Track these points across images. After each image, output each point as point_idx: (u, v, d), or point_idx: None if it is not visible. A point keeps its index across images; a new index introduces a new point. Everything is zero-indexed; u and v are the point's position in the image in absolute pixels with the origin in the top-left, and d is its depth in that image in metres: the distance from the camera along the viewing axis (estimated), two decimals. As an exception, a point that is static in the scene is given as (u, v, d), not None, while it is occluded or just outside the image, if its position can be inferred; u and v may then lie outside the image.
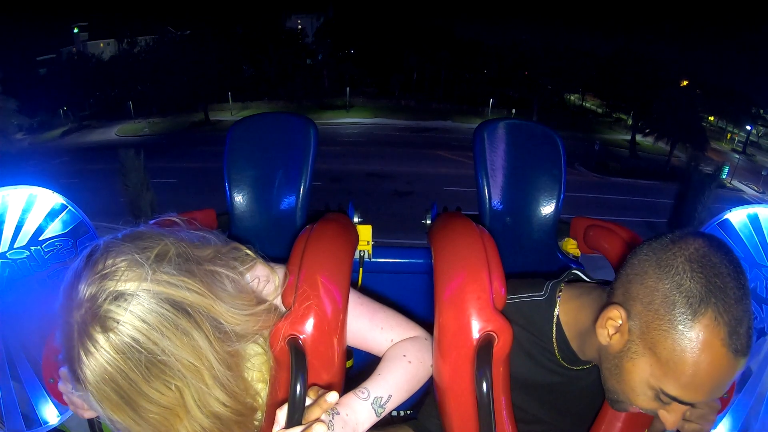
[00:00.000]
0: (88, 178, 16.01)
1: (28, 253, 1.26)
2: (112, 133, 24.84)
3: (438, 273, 0.83)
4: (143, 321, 0.60)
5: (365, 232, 1.23)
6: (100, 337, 0.59)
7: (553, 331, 0.83)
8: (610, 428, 0.83)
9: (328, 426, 0.64)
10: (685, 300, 0.60)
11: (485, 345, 0.74)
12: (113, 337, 0.59)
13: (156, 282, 0.62)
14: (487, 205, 1.10)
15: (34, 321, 1.17)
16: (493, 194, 1.14)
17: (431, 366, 0.83)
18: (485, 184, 1.11)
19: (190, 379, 0.64)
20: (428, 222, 1.20)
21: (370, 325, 0.84)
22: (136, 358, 0.59)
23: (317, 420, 0.64)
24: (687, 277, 0.61)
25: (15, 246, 1.26)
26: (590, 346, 0.76)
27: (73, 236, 1.32)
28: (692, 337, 0.60)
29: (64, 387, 0.80)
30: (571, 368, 0.84)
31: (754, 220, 1.31)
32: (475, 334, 0.76)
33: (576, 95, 32.38)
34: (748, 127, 24.34)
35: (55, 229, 1.30)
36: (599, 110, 31.51)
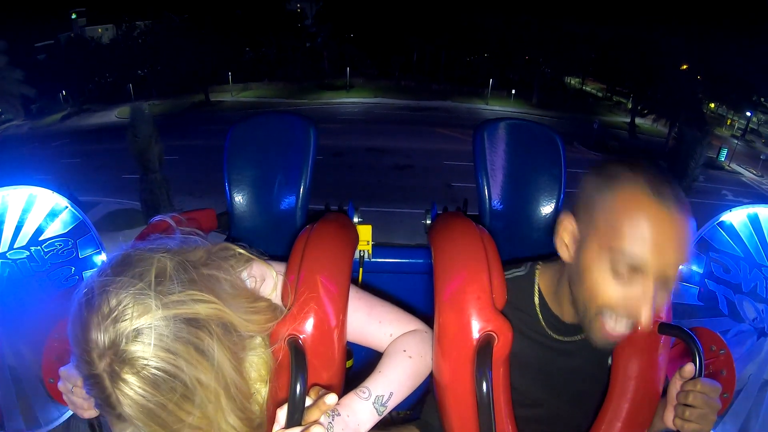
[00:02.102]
0: (90, 157, 16.17)
1: (28, 253, 1.26)
2: (113, 115, 24.76)
3: (438, 273, 0.83)
4: (167, 351, 0.60)
5: (365, 232, 1.23)
6: (133, 378, 0.59)
7: (536, 302, 0.87)
8: (610, 428, 0.83)
9: (326, 428, 0.64)
10: (608, 177, 0.71)
11: (485, 345, 0.74)
12: (145, 374, 0.59)
13: (166, 306, 0.61)
14: (487, 205, 1.10)
15: (34, 321, 1.17)
16: (493, 194, 1.14)
17: (431, 360, 0.83)
18: (485, 184, 1.11)
19: (214, 402, 0.64)
20: (428, 222, 1.20)
21: (368, 319, 0.84)
22: (170, 387, 0.60)
23: (315, 422, 0.64)
24: (612, 166, 0.72)
25: (15, 246, 1.26)
26: (565, 296, 0.81)
27: (73, 236, 1.32)
28: (617, 194, 0.69)
29: (64, 387, 0.80)
30: (559, 338, 0.86)
31: (754, 220, 1.31)
32: (475, 334, 0.76)
33: (576, 79, 32.28)
34: (748, 114, 24.28)
35: (55, 229, 1.30)
36: (599, 94, 31.46)
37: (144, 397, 0.59)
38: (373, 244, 1.27)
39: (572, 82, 32.64)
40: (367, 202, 12.27)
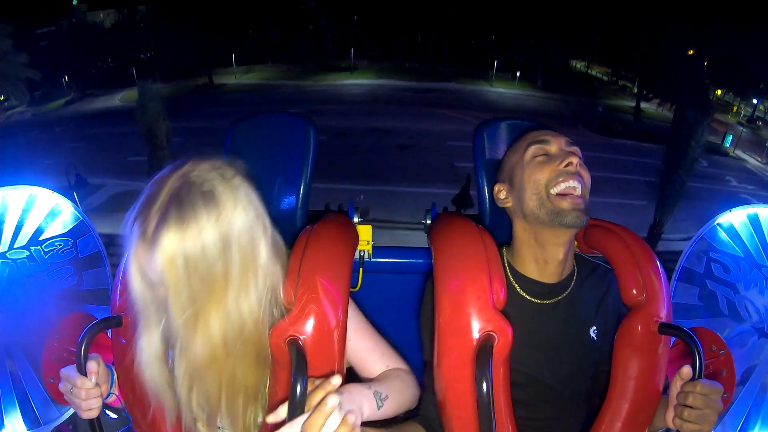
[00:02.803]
0: (95, 141, 16.16)
1: (28, 253, 1.26)
2: (116, 99, 24.58)
3: (438, 273, 0.83)
4: (237, 202, 0.69)
5: (365, 232, 1.23)
6: (195, 190, 0.66)
7: (509, 273, 0.95)
8: (610, 428, 0.83)
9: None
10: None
11: (485, 345, 0.74)
12: (205, 192, 0.67)
13: (245, 187, 0.72)
14: (487, 205, 1.10)
15: (34, 321, 1.17)
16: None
17: (411, 400, 0.89)
18: (485, 184, 1.10)
19: (242, 272, 0.70)
20: (428, 222, 1.20)
21: (373, 348, 0.89)
22: (221, 232, 0.67)
23: (328, 395, 0.64)
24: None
25: (15, 246, 1.26)
26: (527, 254, 0.93)
27: (73, 236, 1.32)
28: (513, 143, 1.00)
29: (64, 387, 0.80)
30: (539, 302, 0.93)
31: (754, 220, 1.31)
32: (475, 334, 0.76)
33: (582, 62, 32.03)
34: (755, 101, 24.16)
35: (55, 229, 1.30)
36: (604, 78, 31.23)
37: (188, 215, 0.65)
38: (373, 245, 1.27)
39: (578, 65, 32.22)
40: (370, 182, 12.50)
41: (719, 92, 25.87)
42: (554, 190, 0.87)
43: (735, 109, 25.73)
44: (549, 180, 0.87)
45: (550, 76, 27.60)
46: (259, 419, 0.82)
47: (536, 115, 20.57)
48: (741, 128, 22.36)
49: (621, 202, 11.30)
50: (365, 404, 0.74)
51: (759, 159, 19.77)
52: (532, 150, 0.91)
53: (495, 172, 1.07)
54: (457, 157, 13.68)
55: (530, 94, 25.85)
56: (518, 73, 27.72)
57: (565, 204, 0.85)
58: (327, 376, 0.76)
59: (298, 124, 1.16)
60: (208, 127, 15.46)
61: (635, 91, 25.90)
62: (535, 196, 0.88)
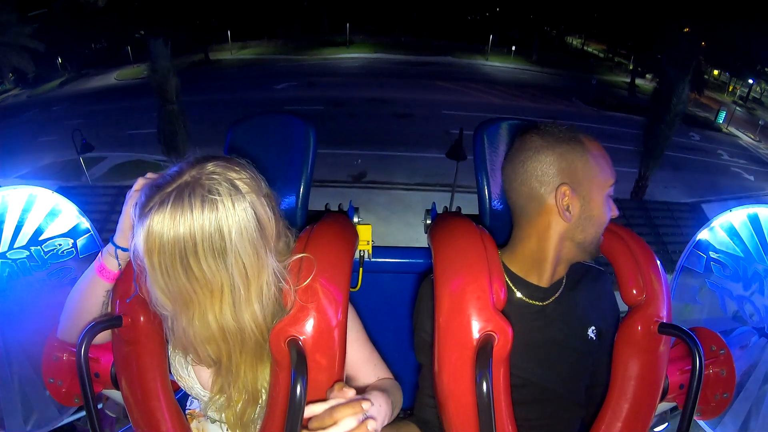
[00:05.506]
0: (93, 117, 16.16)
1: (28, 253, 1.26)
2: (112, 78, 24.23)
3: (438, 273, 0.83)
4: (239, 218, 0.68)
5: (365, 232, 1.23)
6: (196, 196, 0.67)
7: (506, 277, 0.92)
8: (610, 428, 0.83)
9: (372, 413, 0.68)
10: (571, 141, 0.88)
11: (485, 345, 0.74)
12: (208, 196, 0.67)
13: (252, 198, 0.71)
14: (487, 205, 1.10)
15: (34, 321, 1.17)
16: (493, 194, 1.13)
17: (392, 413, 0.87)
18: (485, 184, 1.10)
19: (241, 280, 0.71)
20: (428, 222, 1.20)
21: (368, 359, 0.89)
22: (213, 240, 0.67)
23: (368, 419, 0.66)
24: (566, 132, 0.89)
25: (15, 246, 1.26)
26: (525, 251, 0.91)
27: (73, 236, 1.32)
28: (586, 153, 0.86)
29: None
30: (534, 303, 0.92)
31: (754, 220, 1.31)
32: (475, 335, 0.76)
33: (578, 39, 32.10)
34: (751, 81, 24.11)
35: (55, 229, 1.30)
36: (600, 54, 31.12)
37: (182, 211, 0.66)
38: (373, 245, 1.27)
39: (574, 42, 32.31)
40: (368, 146, 12.78)
41: (716, 72, 25.87)
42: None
43: (731, 88, 25.59)
44: (602, 214, 0.89)
45: (545, 51, 27.50)
46: (255, 416, 0.83)
47: (530, 87, 20.61)
48: (735, 107, 22.28)
49: (610, 169, 11.66)
50: (386, 418, 0.77)
51: (752, 136, 19.52)
52: (612, 189, 0.89)
53: (495, 172, 1.07)
54: (452, 125, 13.81)
55: (525, 68, 25.79)
56: (513, 48, 27.58)
57: (600, 241, 0.90)
58: (327, 376, 0.77)
59: (298, 125, 1.16)
60: (207, 101, 16.04)
61: (630, 67, 25.83)
62: (597, 231, 0.89)
